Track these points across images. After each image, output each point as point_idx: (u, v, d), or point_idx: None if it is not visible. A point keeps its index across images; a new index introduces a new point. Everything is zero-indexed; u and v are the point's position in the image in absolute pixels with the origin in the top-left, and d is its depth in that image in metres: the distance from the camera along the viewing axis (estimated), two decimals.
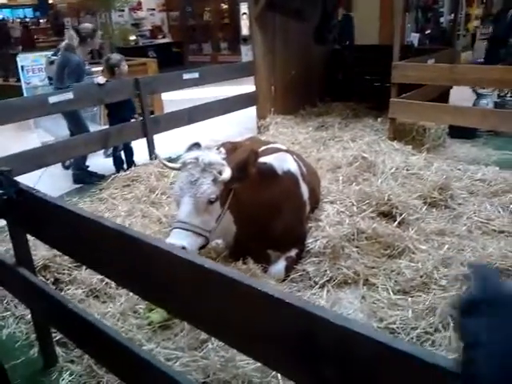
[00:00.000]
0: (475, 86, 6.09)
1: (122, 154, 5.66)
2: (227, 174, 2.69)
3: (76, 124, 5.25)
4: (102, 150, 6.08)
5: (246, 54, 13.62)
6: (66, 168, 5.75)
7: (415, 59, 5.79)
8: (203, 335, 2.57)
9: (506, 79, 4.75)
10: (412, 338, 2.56)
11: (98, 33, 5.75)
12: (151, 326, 2.77)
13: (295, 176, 3.37)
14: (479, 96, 6.21)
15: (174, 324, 2.76)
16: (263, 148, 3.71)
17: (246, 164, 2.76)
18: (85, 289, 3.17)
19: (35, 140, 6.36)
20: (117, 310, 2.93)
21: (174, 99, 8.25)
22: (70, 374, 2.51)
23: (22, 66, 7.85)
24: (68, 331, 2.36)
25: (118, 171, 5.41)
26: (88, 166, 5.57)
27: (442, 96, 6.41)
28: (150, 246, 1.47)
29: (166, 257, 1.44)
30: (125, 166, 5.56)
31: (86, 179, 5.36)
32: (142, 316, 2.87)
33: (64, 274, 3.31)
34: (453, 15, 9.24)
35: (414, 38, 10.99)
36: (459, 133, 5.86)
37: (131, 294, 3.03)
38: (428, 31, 12.56)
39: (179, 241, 2.52)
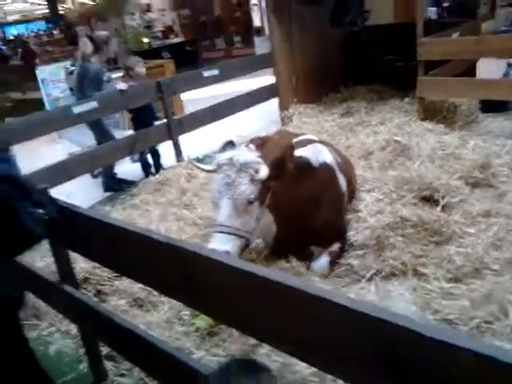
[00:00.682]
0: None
1: (149, 157, 5.64)
2: (264, 172, 2.60)
3: (101, 132, 5.24)
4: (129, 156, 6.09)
5: (260, 45, 13.53)
6: (95, 177, 5.76)
7: (439, 34, 5.56)
8: (253, 339, 2.51)
9: None
10: (472, 329, 2.44)
11: (113, 40, 5.73)
12: (199, 333, 2.72)
13: (332, 167, 3.26)
14: (510, 66, 5.94)
15: (221, 330, 2.70)
16: (295, 140, 3.61)
17: (284, 160, 2.67)
18: (128, 299, 3.14)
19: (60, 151, 6.39)
20: (162, 318, 2.90)
21: (192, 98, 8.20)
22: None
23: (42, 79, 7.90)
24: (116, 345, 2.33)
25: (146, 176, 5.40)
26: (116, 174, 5.56)
27: (469, 70, 6.17)
28: (195, 255, 1.43)
29: (211, 264, 1.39)
30: (153, 169, 5.54)
31: (115, 186, 5.36)
32: (188, 323, 2.83)
33: (105, 285, 3.29)
34: None
35: (432, 12, 10.64)
36: (491, 107, 5.62)
37: (173, 301, 3.00)
38: (445, 4, 12.14)
39: (222, 246, 2.45)
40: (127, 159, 6.15)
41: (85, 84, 5.07)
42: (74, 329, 2.88)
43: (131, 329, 2.09)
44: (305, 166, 3.02)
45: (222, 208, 2.57)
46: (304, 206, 2.93)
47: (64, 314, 2.65)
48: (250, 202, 2.59)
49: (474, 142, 4.45)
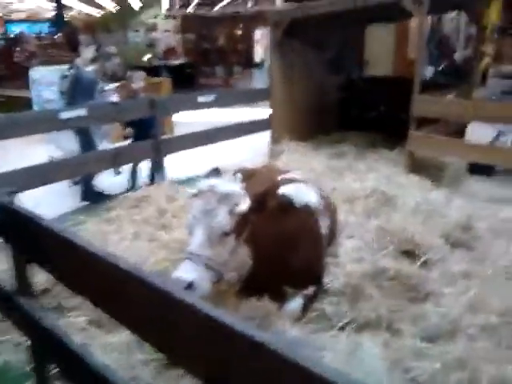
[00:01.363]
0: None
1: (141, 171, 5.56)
2: (245, 205, 2.51)
3: (86, 141, 5.12)
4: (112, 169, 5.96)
5: (258, 78, 13.74)
6: (73, 185, 5.60)
7: (435, 93, 5.69)
8: None
9: None
10: None
11: (117, 58, 5.72)
12: (157, 363, 2.56)
13: (314, 209, 3.19)
14: (500, 133, 6.06)
15: None
16: (281, 177, 3.55)
17: (266, 197, 2.59)
18: (88, 316, 2.96)
19: (44, 155, 6.22)
20: (121, 341, 2.73)
21: (185, 121, 8.18)
22: None
23: (35, 80, 7.79)
24: (63, 366, 2.17)
25: (127, 191, 5.26)
26: (95, 185, 5.41)
27: (458, 132, 6.29)
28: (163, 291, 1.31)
29: (182, 305, 1.27)
30: (129, 185, 5.44)
31: (93, 198, 5.20)
32: (149, 350, 2.66)
33: (67, 298, 3.11)
34: (469, 50, 9.21)
35: (428, 71, 10.95)
36: (478, 169, 5.70)
37: None
38: (442, 66, 12.53)
39: (188, 274, 2.33)
40: (110, 172, 6.04)
41: (77, 90, 4.98)
42: (28, 340, 2.69)
43: (78, 352, 1.94)
44: (287, 204, 2.95)
45: (196, 235, 2.46)
46: (282, 244, 2.84)
47: (15, 325, 2.47)
48: (226, 234, 2.48)
49: (459, 202, 4.47)
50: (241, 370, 1.17)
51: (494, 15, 8.98)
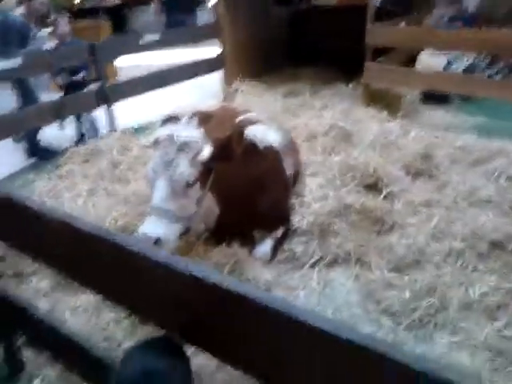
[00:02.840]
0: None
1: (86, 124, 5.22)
2: (207, 153, 2.38)
3: (25, 93, 4.72)
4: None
5: (200, 17, 13.03)
6: (18, 141, 5.21)
7: (387, 22, 5.56)
8: None
9: (484, 42, 4.60)
10: (414, 321, 2.42)
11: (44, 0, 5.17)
12: (130, 321, 2.49)
13: (277, 149, 3.10)
14: (451, 61, 6.08)
15: None
16: (241, 118, 3.41)
17: (231, 142, 2.47)
18: (51, 279, 2.82)
19: None
20: (90, 302, 2.62)
21: (128, 65, 7.71)
22: (42, 380, 2.21)
23: None
24: (32, 335, 2.07)
25: (76, 144, 4.95)
26: (40, 140, 5.06)
27: (410, 60, 6.26)
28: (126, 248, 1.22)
29: (145, 261, 1.19)
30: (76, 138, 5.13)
31: (39, 154, 4.88)
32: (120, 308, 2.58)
33: (25, 264, 2.93)
34: None
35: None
36: (432, 98, 5.73)
37: None
38: None
39: (154, 230, 2.23)
40: (54, 126, 5.66)
41: (7, 38, 4.51)
42: None
43: (44, 319, 1.85)
44: (250, 146, 2.84)
45: (158, 189, 2.33)
46: (248, 188, 2.76)
47: None
48: (189, 185, 2.36)
49: (416, 132, 4.49)
50: (213, 319, 1.13)
51: None
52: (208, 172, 2.49)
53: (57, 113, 4.56)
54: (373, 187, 3.52)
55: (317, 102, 5.76)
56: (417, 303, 2.48)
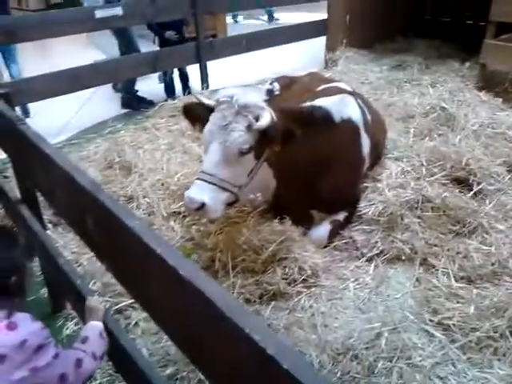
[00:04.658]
0: None
1: (177, 80, 5.27)
2: (265, 121, 2.20)
3: (126, 43, 4.87)
4: (157, 75, 5.73)
5: None
6: (117, 91, 5.46)
7: None
8: None
9: None
10: (470, 341, 2.10)
11: None
12: None
13: (356, 125, 2.83)
14: None
15: None
16: (323, 87, 3.18)
17: (296, 116, 2.29)
18: None
19: (90, 59, 6.09)
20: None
21: (241, 23, 7.65)
22: (76, 324, 2.31)
23: None
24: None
25: (168, 98, 5.06)
26: (137, 91, 5.24)
27: None
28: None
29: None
30: (178, 92, 5.19)
31: (133, 104, 5.06)
32: None
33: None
34: None
35: None
36: None
37: None
38: None
39: (199, 195, 2.15)
40: (155, 77, 5.83)
41: None
42: None
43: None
44: (323, 119, 2.60)
45: (210, 153, 2.22)
46: (312, 164, 2.55)
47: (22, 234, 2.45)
48: (243, 153, 2.23)
49: None
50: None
51: None
52: (267, 142, 2.33)
53: (153, 65, 4.65)
54: (463, 182, 3.11)
55: (425, 77, 5.24)
56: (480, 322, 2.16)
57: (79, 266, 2.61)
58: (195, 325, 0.84)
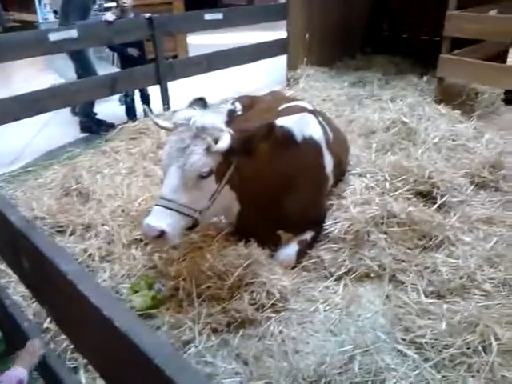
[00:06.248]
0: None
1: (138, 101, 5.16)
2: (224, 142, 2.14)
3: (82, 66, 4.74)
4: (117, 97, 5.61)
5: None
6: (75, 114, 5.30)
7: (474, 9, 4.93)
8: (186, 336, 2.16)
9: None
10: (443, 359, 2.06)
11: None
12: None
13: (318, 144, 2.80)
14: None
15: (160, 313, 2.35)
16: (285, 106, 3.14)
17: (254, 139, 2.22)
18: None
19: (47, 83, 5.91)
20: None
21: (202, 43, 7.62)
22: None
23: (40, 0, 7.30)
24: None
25: (128, 120, 4.93)
26: (96, 114, 5.09)
27: (500, 55, 5.56)
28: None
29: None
30: (139, 114, 5.07)
31: (93, 128, 4.91)
32: (125, 298, 2.47)
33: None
34: None
35: None
36: None
37: (115, 269, 2.65)
38: None
39: (158, 222, 2.05)
40: (115, 99, 5.70)
41: (70, 8, 4.53)
42: None
43: None
44: (285, 138, 2.56)
45: (169, 178, 2.13)
46: (276, 185, 2.49)
47: None
48: (203, 177, 2.15)
49: (489, 136, 3.96)
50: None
51: None
52: (227, 165, 2.26)
53: (111, 87, 4.53)
54: (426, 195, 3.12)
55: (385, 93, 5.35)
56: (452, 339, 2.12)
57: (34, 302, 2.45)
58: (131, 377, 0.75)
